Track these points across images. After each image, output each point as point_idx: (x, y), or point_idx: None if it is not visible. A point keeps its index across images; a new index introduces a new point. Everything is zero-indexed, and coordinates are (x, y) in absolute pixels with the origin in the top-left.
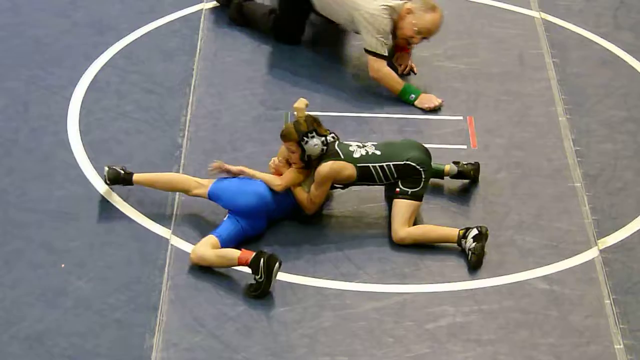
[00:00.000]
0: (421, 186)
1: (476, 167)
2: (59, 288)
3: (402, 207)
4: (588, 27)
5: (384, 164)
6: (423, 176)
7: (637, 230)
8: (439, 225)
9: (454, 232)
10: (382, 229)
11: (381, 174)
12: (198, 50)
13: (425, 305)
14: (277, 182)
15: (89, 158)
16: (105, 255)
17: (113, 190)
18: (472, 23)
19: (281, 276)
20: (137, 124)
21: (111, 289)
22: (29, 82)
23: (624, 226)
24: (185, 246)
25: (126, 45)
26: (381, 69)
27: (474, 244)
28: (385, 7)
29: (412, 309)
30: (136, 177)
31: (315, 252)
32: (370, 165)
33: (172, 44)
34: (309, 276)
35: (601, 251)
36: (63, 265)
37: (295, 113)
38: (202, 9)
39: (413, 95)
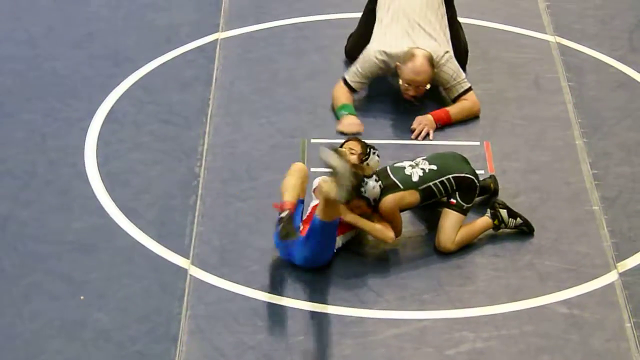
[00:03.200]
0: (473, 201)
1: (493, 179)
2: (79, 320)
3: (454, 220)
4: (603, 50)
5: (444, 178)
6: (477, 191)
7: None
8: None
9: (487, 222)
10: (401, 254)
11: (442, 189)
12: (214, 80)
13: (445, 331)
14: (390, 235)
15: (106, 189)
16: (124, 287)
17: (132, 222)
18: (487, 48)
19: (300, 304)
20: (154, 154)
21: (131, 320)
22: (46, 114)
23: None
24: (204, 276)
25: (142, 76)
26: (337, 87)
27: (515, 220)
28: (382, 52)
29: (432, 335)
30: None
31: (334, 279)
32: (431, 184)
33: (188, 74)
34: (329, 304)
35: (621, 274)
36: (82, 297)
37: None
38: (217, 39)
39: (343, 113)
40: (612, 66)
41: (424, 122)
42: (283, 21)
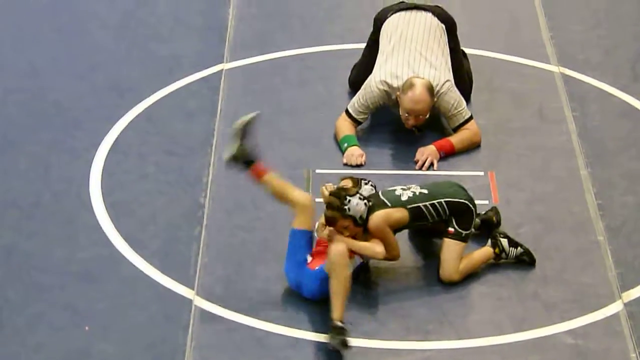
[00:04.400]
0: (472, 228)
1: (495, 211)
2: (83, 350)
3: (455, 249)
4: (607, 80)
5: (435, 201)
6: (474, 216)
7: None
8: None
9: (488, 252)
10: (404, 284)
11: (433, 212)
12: (219, 111)
13: None
14: (379, 250)
15: (111, 220)
16: (128, 317)
17: (137, 252)
18: (491, 78)
19: (305, 334)
20: (158, 185)
21: (135, 350)
22: (50, 145)
23: None
24: (209, 306)
25: (147, 107)
26: (340, 120)
27: (516, 249)
28: (384, 82)
29: None
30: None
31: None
32: (420, 204)
33: (192, 104)
34: None
35: (625, 304)
36: (87, 328)
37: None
38: (222, 70)
39: (346, 144)
40: (615, 96)
41: (426, 152)
42: (287, 52)
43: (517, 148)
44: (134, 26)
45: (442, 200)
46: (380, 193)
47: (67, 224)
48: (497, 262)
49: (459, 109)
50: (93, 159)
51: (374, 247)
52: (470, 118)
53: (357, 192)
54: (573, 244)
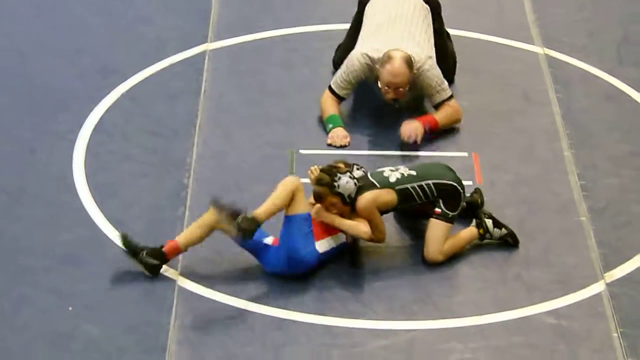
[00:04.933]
0: (458, 210)
1: (479, 193)
2: (68, 332)
3: (440, 229)
4: (592, 62)
5: (423, 182)
6: (462, 198)
7: None
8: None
9: (473, 232)
10: (389, 265)
11: (421, 194)
12: (202, 91)
13: (434, 342)
14: (364, 230)
15: (95, 201)
16: (112, 298)
17: (120, 232)
18: (476, 60)
19: (289, 314)
20: (142, 166)
21: (119, 331)
22: (35, 128)
23: (630, 259)
24: (193, 287)
25: (131, 88)
26: (324, 97)
27: (500, 230)
28: (365, 55)
29: (420, 346)
30: None
31: (322, 290)
32: (408, 186)
33: (176, 85)
34: (317, 314)
35: (608, 285)
36: (70, 309)
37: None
38: (205, 50)
39: (330, 125)
40: (600, 78)
41: (411, 126)
42: (271, 33)
43: (502, 130)
44: (118, 7)
45: (430, 181)
46: (369, 174)
47: (51, 206)
48: (481, 243)
49: (442, 86)
50: (76, 140)
51: (360, 227)
52: (452, 96)
53: (348, 172)
54: (556, 225)
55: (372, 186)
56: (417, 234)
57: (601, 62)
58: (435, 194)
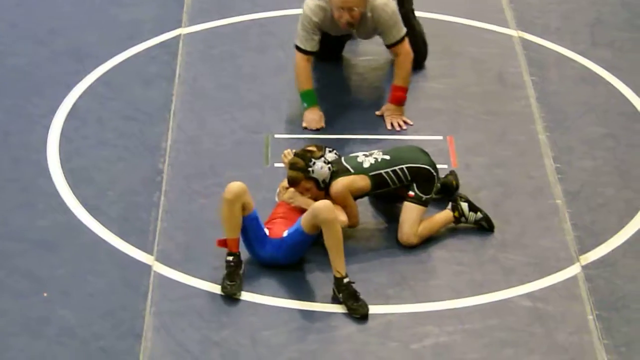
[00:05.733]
0: (432, 192)
1: (454, 175)
2: (43, 317)
3: (414, 212)
4: (566, 44)
5: (397, 167)
6: (436, 181)
7: (619, 246)
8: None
9: (448, 215)
10: (364, 250)
11: (394, 178)
12: (177, 76)
13: (410, 325)
14: (342, 219)
15: (69, 186)
16: (88, 283)
17: (96, 218)
18: (450, 43)
19: (265, 299)
20: (117, 150)
21: (95, 317)
22: (8, 111)
23: (605, 242)
24: (169, 272)
25: (105, 72)
26: (296, 62)
27: (476, 214)
28: (317, 1)
29: (396, 330)
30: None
31: (298, 274)
32: (382, 171)
33: (151, 70)
34: (294, 299)
35: (583, 267)
36: (46, 294)
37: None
38: (180, 34)
39: (305, 105)
40: (574, 60)
41: (393, 114)
42: (246, 17)
43: (476, 113)
44: None
45: (403, 166)
46: (342, 159)
47: (25, 191)
48: (457, 226)
49: (397, 20)
50: (51, 124)
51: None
52: (406, 35)
53: (322, 156)
54: (532, 208)
55: (346, 172)
56: (392, 217)
57: (575, 44)
58: (409, 178)
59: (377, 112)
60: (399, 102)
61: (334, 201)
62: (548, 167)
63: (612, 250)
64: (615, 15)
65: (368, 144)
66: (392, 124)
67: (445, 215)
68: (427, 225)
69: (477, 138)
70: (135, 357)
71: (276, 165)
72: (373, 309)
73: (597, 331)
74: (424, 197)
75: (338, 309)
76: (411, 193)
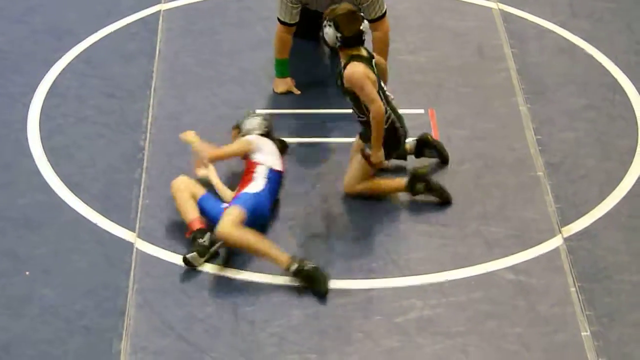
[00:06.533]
0: (386, 158)
1: (439, 145)
2: (25, 296)
3: (360, 167)
4: (545, 16)
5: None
6: (401, 143)
7: (600, 217)
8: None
9: (399, 185)
10: (347, 225)
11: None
12: (157, 52)
13: (393, 299)
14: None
15: (50, 164)
16: (70, 262)
17: (77, 196)
18: (431, 16)
19: (248, 275)
20: (98, 128)
21: (77, 295)
22: None
23: (587, 213)
24: (151, 249)
25: (84, 50)
26: (277, 33)
27: (431, 194)
28: None
29: (380, 304)
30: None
31: (282, 250)
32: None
33: (131, 46)
34: (276, 274)
35: (565, 239)
36: (27, 273)
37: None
38: (159, 10)
39: (276, 73)
40: (554, 32)
41: None
42: None
43: (457, 86)
44: None
45: (392, 114)
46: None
47: (6, 170)
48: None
49: None
50: (30, 102)
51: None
52: (386, 12)
53: (333, 21)
54: (513, 180)
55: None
56: (376, 195)
57: (554, 15)
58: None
59: None
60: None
61: (353, 88)
62: (529, 139)
63: (594, 222)
64: None
65: (348, 119)
66: None
67: (396, 184)
68: (372, 184)
69: (458, 111)
70: (118, 335)
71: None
72: (355, 284)
73: (580, 303)
74: (390, 154)
75: None
76: (367, 151)
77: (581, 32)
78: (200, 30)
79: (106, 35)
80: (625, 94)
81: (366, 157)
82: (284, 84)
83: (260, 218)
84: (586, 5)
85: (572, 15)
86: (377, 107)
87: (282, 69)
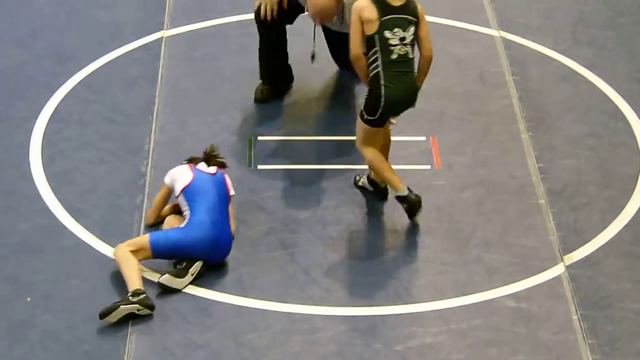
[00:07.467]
0: (375, 116)
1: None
2: (26, 322)
3: (358, 125)
4: (547, 43)
5: (381, 64)
6: (380, 110)
7: (602, 245)
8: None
9: (398, 183)
10: (348, 251)
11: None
12: (159, 78)
13: (394, 326)
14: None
15: (52, 190)
16: (71, 287)
17: (78, 221)
18: (433, 43)
19: (249, 302)
20: (100, 153)
21: (78, 320)
22: None
23: (589, 241)
24: (151, 276)
25: (87, 75)
26: None
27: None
28: None
29: (381, 331)
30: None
31: (282, 276)
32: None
33: (133, 72)
34: (278, 301)
35: (567, 267)
36: (29, 299)
37: None
38: (162, 37)
39: None
40: (556, 60)
41: None
42: (227, 18)
43: (459, 112)
44: None
45: (381, 72)
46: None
47: (8, 195)
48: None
49: None
50: (33, 128)
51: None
52: None
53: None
54: (515, 207)
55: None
56: (375, 221)
57: (556, 43)
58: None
59: None
60: None
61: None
62: (531, 166)
63: (596, 250)
64: (596, 14)
65: (348, 146)
66: None
67: (396, 180)
68: (375, 159)
69: (459, 138)
70: None
71: (259, 167)
72: (357, 311)
73: (582, 331)
74: (365, 115)
75: (321, 310)
76: (362, 109)
77: (583, 60)
78: (202, 56)
79: (109, 61)
80: (627, 121)
81: (360, 113)
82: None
83: (211, 239)
84: (588, 33)
85: (574, 43)
86: (351, 49)
87: None
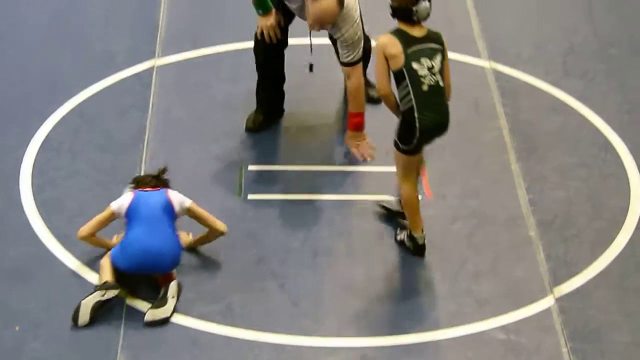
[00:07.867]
0: (410, 145)
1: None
2: (15, 350)
3: (396, 156)
4: (538, 75)
5: (415, 94)
6: (415, 141)
7: (592, 277)
8: None
9: (419, 228)
10: (338, 282)
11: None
12: (151, 106)
13: (384, 358)
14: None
15: (42, 218)
16: (60, 315)
17: (68, 250)
18: None
19: (238, 333)
20: (90, 182)
21: (67, 349)
22: None
23: (578, 273)
24: (140, 305)
25: (79, 103)
26: None
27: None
28: None
29: None
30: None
31: (271, 307)
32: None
33: (124, 100)
34: (266, 331)
35: (557, 299)
36: (17, 328)
37: None
38: (154, 66)
39: (260, 12)
40: (546, 91)
41: (356, 140)
42: (219, 47)
43: (449, 143)
44: (65, 22)
45: (413, 99)
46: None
47: None
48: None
49: (360, 43)
50: (23, 156)
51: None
52: (360, 59)
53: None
54: (505, 238)
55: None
56: (368, 252)
57: (547, 74)
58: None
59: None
60: (358, 127)
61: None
62: (521, 197)
63: (586, 282)
64: (587, 46)
65: (342, 176)
66: (364, 156)
67: (414, 222)
68: (409, 194)
69: (451, 168)
70: None
71: (249, 197)
72: (347, 342)
73: None
74: (400, 144)
75: (309, 341)
76: (395, 138)
77: (573, 92)
78: (193, 85)
79: (100, 90)
80: (617, 152)
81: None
82: (271, 19)
83: (148, 249)
84: (579, 64)
85: (565, 74)
86: (379, 89)
87: (264, 4)
